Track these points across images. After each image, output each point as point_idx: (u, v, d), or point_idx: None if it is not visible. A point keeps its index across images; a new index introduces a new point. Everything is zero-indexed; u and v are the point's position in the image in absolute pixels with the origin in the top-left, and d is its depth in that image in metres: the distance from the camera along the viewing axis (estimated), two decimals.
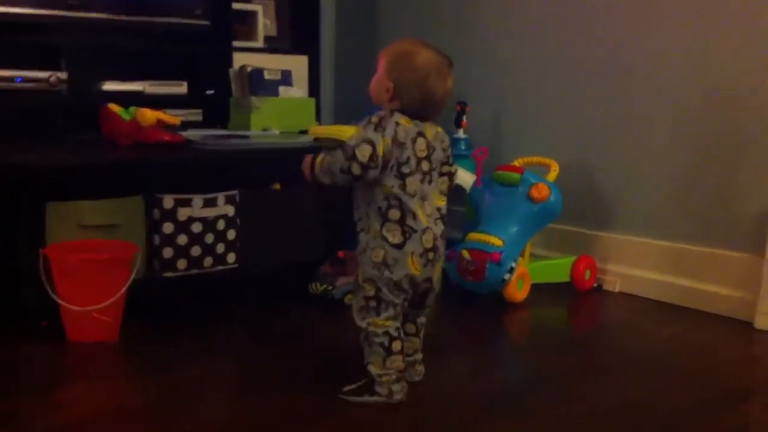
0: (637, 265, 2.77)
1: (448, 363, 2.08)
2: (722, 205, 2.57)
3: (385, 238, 1.74)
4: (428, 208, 1.77)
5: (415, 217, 1.74)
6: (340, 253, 2.58)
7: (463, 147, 3.08)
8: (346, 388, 1.80)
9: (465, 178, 2.92)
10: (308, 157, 1.81)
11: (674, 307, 2.62)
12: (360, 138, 1.71)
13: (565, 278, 2.79)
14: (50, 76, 2.70)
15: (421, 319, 1.89)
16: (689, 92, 2.63)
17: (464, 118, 3.10)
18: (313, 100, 3.12)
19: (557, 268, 2.80)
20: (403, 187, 1.73)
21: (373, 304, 1.76)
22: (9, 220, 2.18)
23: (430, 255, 1.77)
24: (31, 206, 2.20)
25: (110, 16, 2.85)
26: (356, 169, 1.70)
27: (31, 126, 2.73)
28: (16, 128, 2.69)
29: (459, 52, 3.29)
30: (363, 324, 1.78)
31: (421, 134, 1.77)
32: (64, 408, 1.80)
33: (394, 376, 1.76)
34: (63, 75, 2.72)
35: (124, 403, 1.82)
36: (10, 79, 2.64)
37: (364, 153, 1.69)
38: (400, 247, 1.74)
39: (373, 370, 1.77)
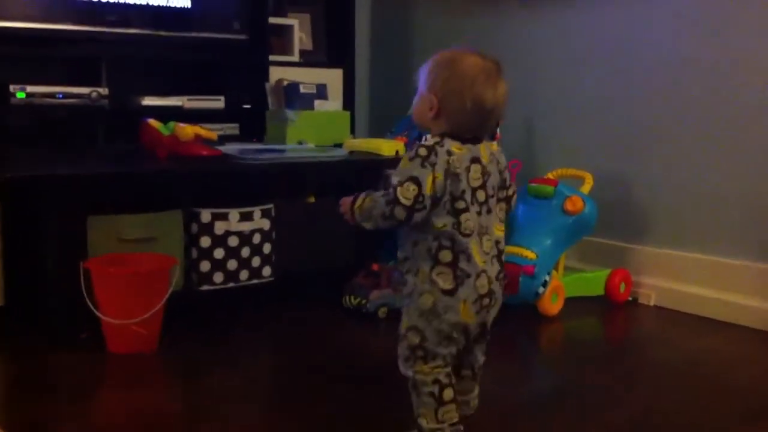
0: (672, 279, 2.75)
1: None
2: (758, 217, 2.55)
3: (434, 283, 1.55)
4: (486, 244, 1.58)
5: (469, 259, 1.54)
6: (374, 266, 2.60)
7: None
8: None
9: None
10: (346, 200, 1.63)
11: (710, 321, 2.60)
12: (404, 175, 1.52)
13: (600, 291, 2.78)
14: (91, 92, 2.75)
15: (479, 361, 1.71)
16: (724, 105, 2.61)
17: (498, 130, 3.10)
18: (348, 114, 3.15)
19: (592, 281, 2.79)
20: (458, 225, 1.54)
21: (420, 353, 1.59)
22: (50, 233, 2.22)
23: (485, 301, 1.57)
24: (72, 219, 2.25)
25: (150, 32, 2.90)
26: (400, 214, 1.51)
27: (72, 140, 2.79)
28: (58, 142, 2.75)
29: None
30: (409, 373, 1.61)
31: (475, 160, 1.57)
32: (94, 419, 1.84)
33: (447, 430, 1.60)
34: (104, 90, 2.77)
35: (153, 416, 1.84)
36: (53, 95, 2.70)
37: (407, 195, 1.50)
38: (451, 293, 1.55)
39: (425, 424, 1.60)
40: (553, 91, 3.12)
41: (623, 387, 2.04)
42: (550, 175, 2.83)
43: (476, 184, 1.57)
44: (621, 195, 2.90)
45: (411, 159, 1.53)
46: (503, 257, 1.64)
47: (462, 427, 1.62)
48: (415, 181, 1.51)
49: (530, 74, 3.18)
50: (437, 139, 1.56)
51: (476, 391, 1.73)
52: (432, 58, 1.63)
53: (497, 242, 1.61)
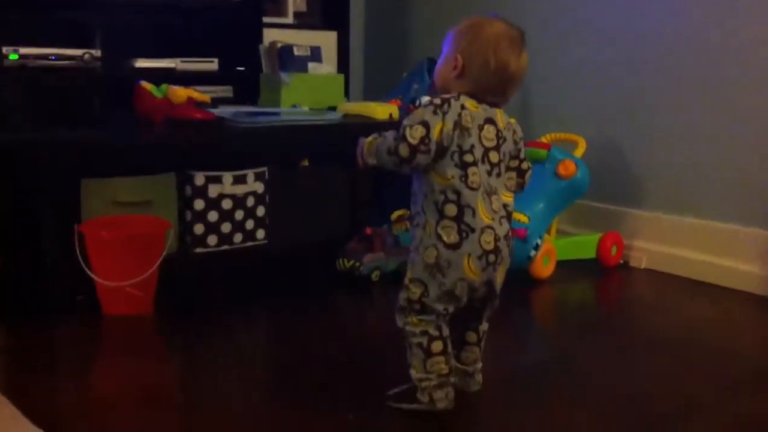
0: (663, 242, 2.78)
1: None
2: (749, 181, 2.57)
3: (439, 237, 1.57)
4: (495, 203, 1.60)
5: (474, 213, 1.56)
6: (368, 230, 2.61)
7: None
8: (390, 392, 1.69)
9: None
10: (362, 141, 1.67)
11: (701, 284, 2.63)
12: (415, 119, 1.56)
13: (592, 255, 2.81)
14: (84, 54, 2.73)
15: (484, 326, 1.74)
16: (719, 69, 2.62)
17: None
18: (342, 77, 3.14)
19: (584, 245, 2.81)
20: (464, 177, 1.56)
21: (416, 307, 1.61)
22: (44, 197, 2.23)
23: (491, 258, 1.59)
24: (66, 183, 2.25)
25: None
26: (404, 151, 1.54)
27: (65, 103, 2.77)
28: (50, 105, 2.74)
29: None
30: (400, 324, 1.64)
31: (490, 121, 1.61)
32: (90, 383, 1.86)
33: (434, 382, 1.62)
34: (96, 52, 2.75)
35: (147, 381, 1.86)
36: (45, 57, 2.68)
37: (415, 134, 1.54)
38: (455, 247, 1.57)
39: (414, 374, 1.63)
40: (548, 56, 3.11)
41: (611, 357, 2.06)
42: (543, 139, 2.84)
43: (489, 144, 1.61)
44: (613, 159, 2.91)
45: (425, 106, 1.59)
46: (511, 220, 1.67)
47: (453, 380, 1.65)
48: (425, 124, 1.55)
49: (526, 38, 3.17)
50: (454, 94, 1.61)
51: (480, 364, 1.75)
52: (462, 21, 1.67)
53: (505, 205, 1.65)
